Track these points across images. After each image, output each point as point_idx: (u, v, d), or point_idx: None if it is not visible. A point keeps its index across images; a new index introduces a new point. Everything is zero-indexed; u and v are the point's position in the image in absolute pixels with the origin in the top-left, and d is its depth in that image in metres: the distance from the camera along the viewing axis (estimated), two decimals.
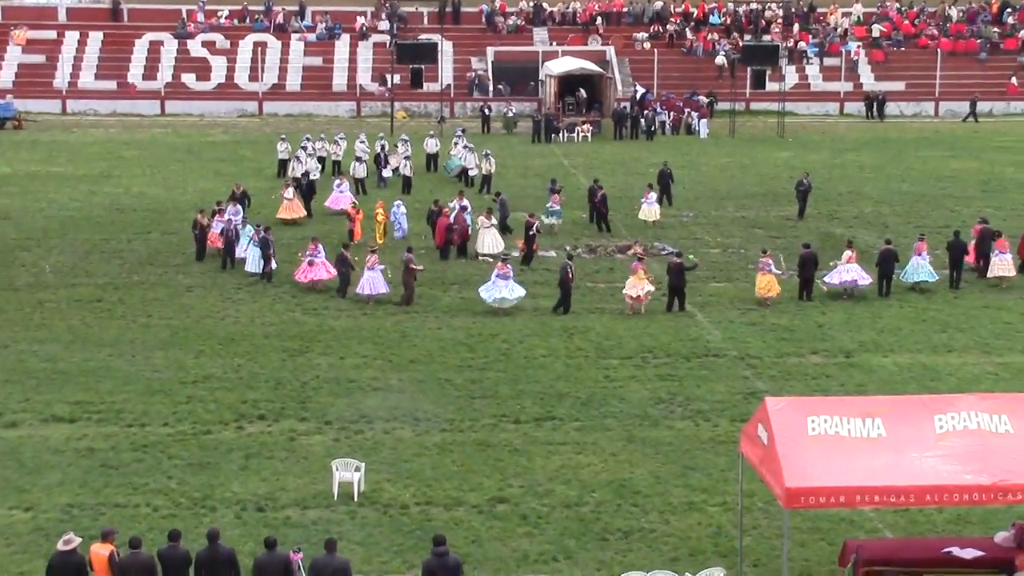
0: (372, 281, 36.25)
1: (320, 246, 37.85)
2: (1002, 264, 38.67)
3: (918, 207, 50.17)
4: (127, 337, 33.24)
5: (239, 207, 42.93)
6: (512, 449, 25.94)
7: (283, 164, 55.62)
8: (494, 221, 42.04)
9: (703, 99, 75.00)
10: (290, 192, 46.73)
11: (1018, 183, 55.56)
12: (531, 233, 40.77)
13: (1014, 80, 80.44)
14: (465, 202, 43.44)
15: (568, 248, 41.55)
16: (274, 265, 38.58)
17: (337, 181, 49.72)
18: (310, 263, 37.40)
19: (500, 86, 78.62)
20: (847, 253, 37.36)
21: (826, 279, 37.43)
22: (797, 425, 19.16)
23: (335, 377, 30.14)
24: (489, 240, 41.67)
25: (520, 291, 35.83)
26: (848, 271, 37.11)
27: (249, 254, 39.14)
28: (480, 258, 40.99)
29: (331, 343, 32.82)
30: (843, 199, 51.65)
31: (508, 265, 36.20)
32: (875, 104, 77.38)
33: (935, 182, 55.86)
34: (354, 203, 44.73)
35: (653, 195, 46.64)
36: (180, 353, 31.92)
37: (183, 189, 53.46)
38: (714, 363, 31.50)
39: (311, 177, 52.54)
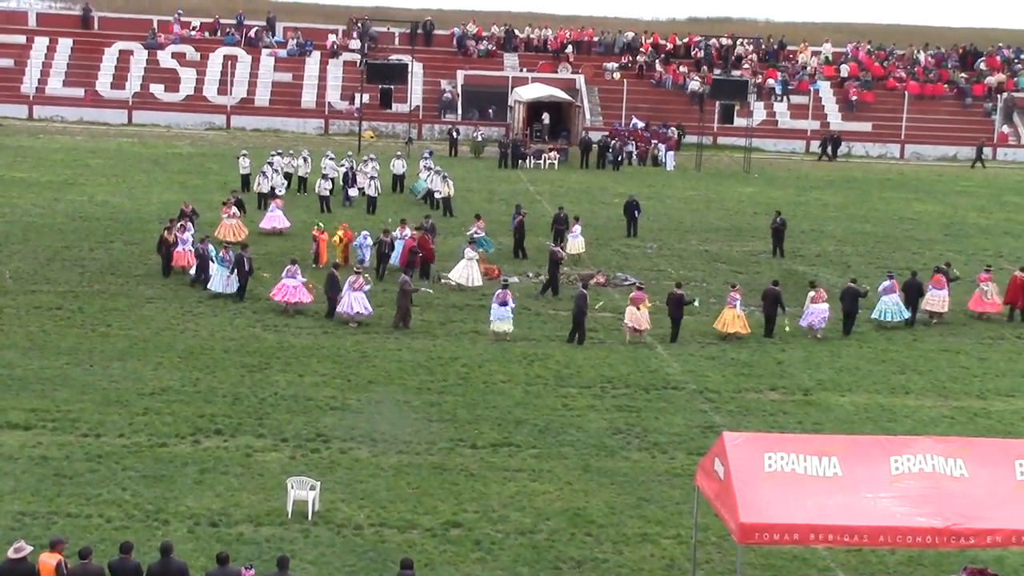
0: (357, 302, 36.16)
1: (298, 267, 37.69)
2: (935, 300, 39.44)
3: (880, 248, 50.50)
4: (85, 346, 33.05)
5: (190, 224, 42.51)
6: (468, 474, 25.91)
7: (245, 179, 55.48)
8: (477, 253, 41.57)
9: (673, 131, 75.21)
10: (233, 212, 45.91)
11: (980, 228, 56.03)
12: (559, 260, 41.02)
13: (1005, 128, 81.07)
14: (431, 223, 43.55)
15: (580, 279, 40.86)
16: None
17: (271, 204, 48.89)
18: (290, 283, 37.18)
19: (473, 111, 78.75)
20: (811, 293, 37.55)
21: (802, 322, 37.49)
22: (754, 461, 19.23)
23: (293, 395, 30.05)
24: (465, 270, 40.94)
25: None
26: (817, 312, 37.27)
27: (217, 274, 38.75)
28: (442, 281, 40.92)
29: (291, 360, 32.72)
30: (806, 237, 51.92)
31: (508, 291, 36.27)
32: (828, 144, 77.52)
33: (898, 223, 56.24)
34: (318, 225, 44.07)
35: (578, 228, 46.15)
36: (138, 364, 31.76)
37: (147, 200, 53.25)
38: (673, 395, 31.57)
39: (277, 193, 52.56)
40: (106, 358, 32.13)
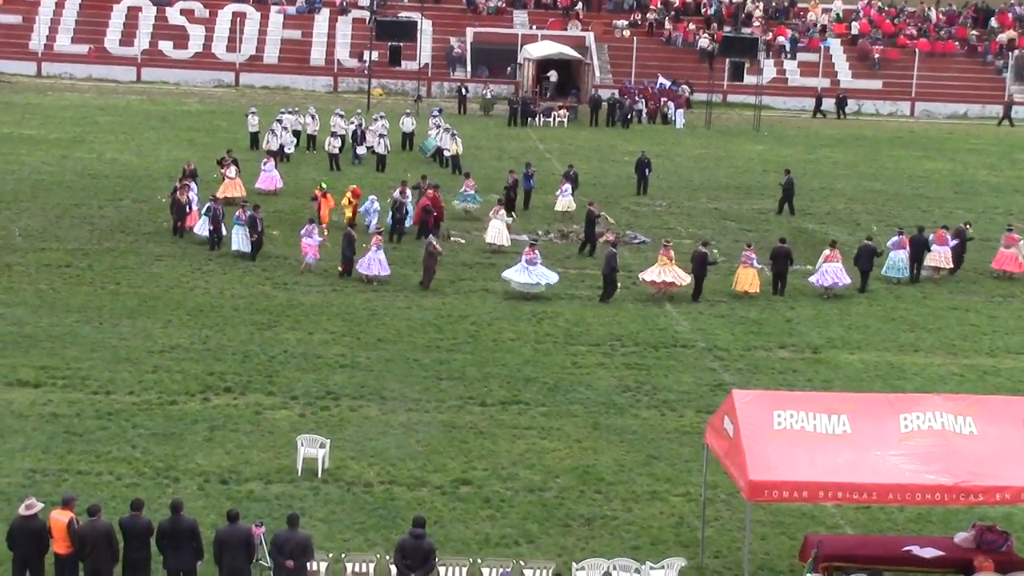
0: (377, 261, 36.16)
1: (315, 226, 37.63)
2: (938, 256, 39.63)
3: (890, 206, 50.37)
4: (95, 304, 33.09)
5: (194, 185, 42.23)
6: (477, 432, 25.97)
7: (254, 137, 55.39)
8: (503, 213, 41.28)
9: (684, 88, 74.93)
10: (232, 171, 45.12)
11: (991, 186, 55.85)
12: (596, 218, 40.87)
13: (1014, 88, 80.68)
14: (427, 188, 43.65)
15: (611, 238, 40.84)
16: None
17: (264, 160, 48.05)
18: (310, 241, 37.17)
19: (483, 68, 78.51)
20: (826, 252, 37.51)
21: (813, 280, 37.47)
22: (763, 419, 19.23)
23: (303, 352, 30.09)
24: (494, 231, 40.67)
25: (552, 276, 35.96)
26: (830, 272, 37.21)
27: (235, 233, 38.37)
28: (452, 239, 40.86)
29: (300, 318, 32.75)
30: (816, 195, 51.79)
31: (536, 250, 36.30)
32: (822, 102, 76.92)
33: (908, 182, 56.08)
34: (321, 185, 43.41)
35: (568, 186, 45.83)
36: (148, 322, 31.80)
37: (156, 157, 53.20)
38: (682, 353, 31.57)
39: (286, 151, 52.54)
40: (116, 316, 32.18)
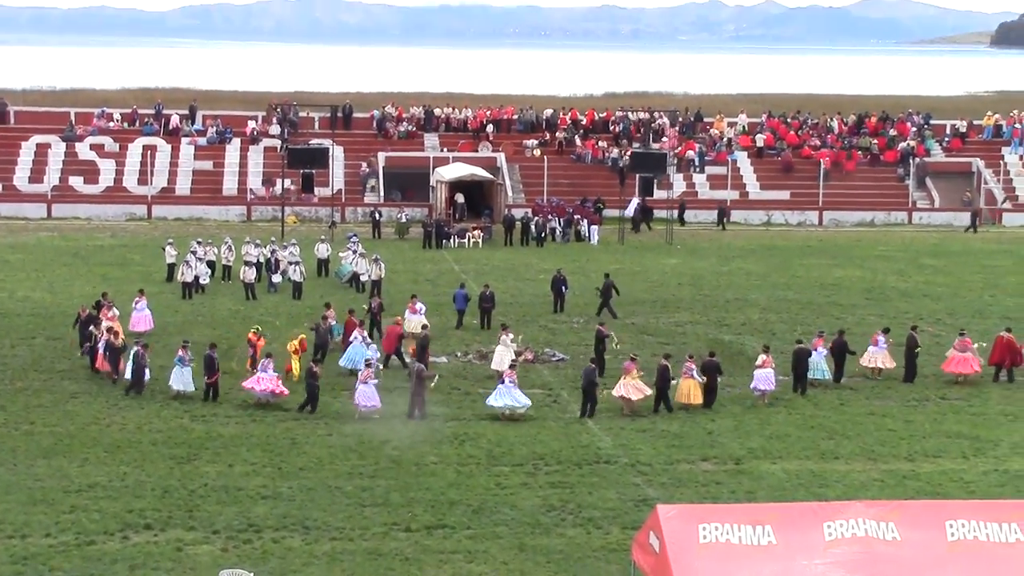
0: (366, 394, 35.81)
1: (271, 360, 37.30)
2: (877, 356, 40.88)
3: (804, 314, 50.96)
4: (8, 445, 32.55)
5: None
6: (403, 558, 25.74)
7: (171, 269, 55.16)
8: (511, 336, 41.02)
9: (600, 205, 75.74)
10: (112, 313, 42.56)
11: (900, 291, 56.71)
12: (604, 339, 41.46)
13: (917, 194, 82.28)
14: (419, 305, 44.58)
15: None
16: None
17: (136, 299, 45.86)
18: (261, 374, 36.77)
19: (395, 192, 78.96)
20: (762, 357, 38.11)
21: (753, 387, 38.02)
22: (688, 533, 19.27)
23: (223, 485, 29.74)
24: (502, 355, 40.18)
25: (525, 399, 36.06)
26: (765, 378, 37.79)
27: (176, 373, 37.23)
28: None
29: (219, 450, 32.42)
30: (731, 306, 52.33)
31: (515, 372, 36.54)
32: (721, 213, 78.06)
33: (820, 290, 56.82)
34: (256, 328, 41.43)
35: (420, 305, 45.71)
36: (64, 461, 31.32)
37: (69, 294, 52.66)
38: (605, 470, 31.58)
39: (202, 281, 52.35)
40: (30, 456, 31.66)
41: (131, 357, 37.90)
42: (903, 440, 34.58)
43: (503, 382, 36.19)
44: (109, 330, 39.67)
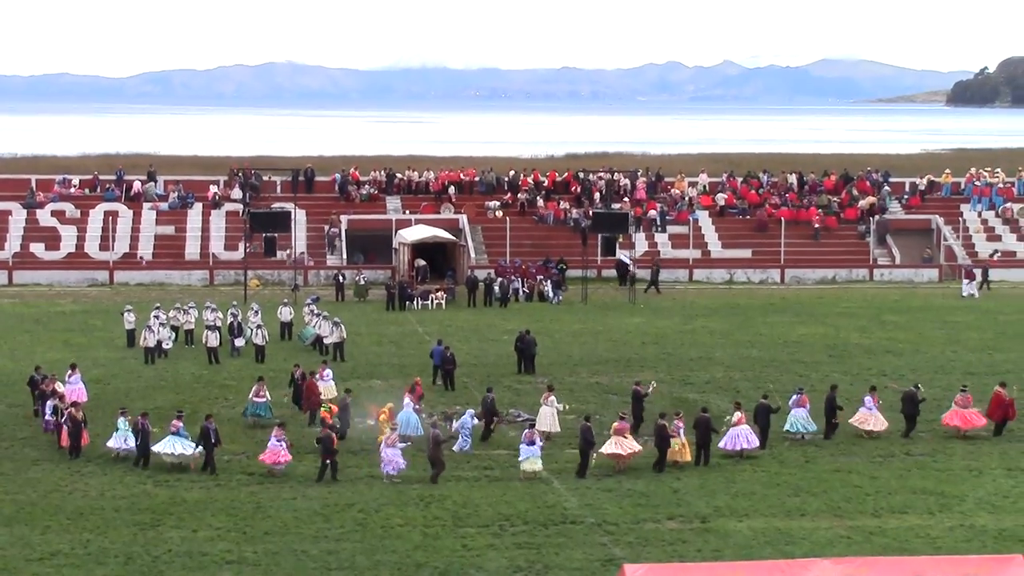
0: (393, 459, 35.74)
1: (283, 429, 37.04)
2: (869, 418, 40.89)
3: (767, 372, 51.13)
4: None
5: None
6: None
7: (131, 334, 54.91)
8: (553, 399, 40.97)
9: (563, 266, 75.95)
10: (60, 386, 42.06)
11: (863, 348, 56.97)
12: (644, 396, 41.39)
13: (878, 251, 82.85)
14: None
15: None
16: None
17: (68, 372, 44.59)
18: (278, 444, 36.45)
19: (358, 255, 79.02)
20: (737, 415, 38.36)
21: (721, 444, 38.17)
22: None
23: (188, 551, 29.53)
24: (550, 418, 40.46)
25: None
26: (741, 435, 38.07)
27: (170, 443, 36.72)
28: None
29: (184, 516, 32.19)
30: (695, 365, 52.45)
31: (535, 431, 36.84)
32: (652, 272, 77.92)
33: (783, 347, 57.03)
34: (327, 407, 40.20)
35: (328, 371, 45.00)
36: (26, 529, 31.04)
37: (30, 360, 52.21)
38: (571, 530, 31.51)
39: (164, 346, 52.14)
40: None
41: (137, 429, 37.05)
42: (869, 496, 34.64)
43: (524, 443, 36.22)
44: (75, 404, 39.24)
